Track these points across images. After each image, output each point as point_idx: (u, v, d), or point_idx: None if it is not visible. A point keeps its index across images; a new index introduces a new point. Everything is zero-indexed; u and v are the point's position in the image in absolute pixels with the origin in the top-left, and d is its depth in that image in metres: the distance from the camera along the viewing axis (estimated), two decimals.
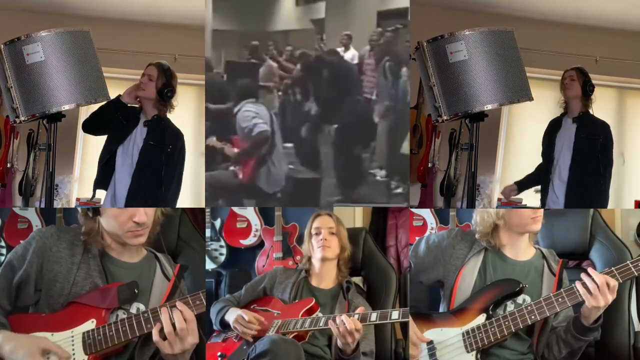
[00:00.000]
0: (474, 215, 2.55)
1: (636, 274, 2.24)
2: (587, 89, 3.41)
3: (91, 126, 3.22)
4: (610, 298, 2.20)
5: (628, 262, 2.27)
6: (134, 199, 3.13)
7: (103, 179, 3.20)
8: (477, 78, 2.71)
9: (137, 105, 3.22)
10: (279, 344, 2.34)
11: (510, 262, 2.48)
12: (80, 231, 2.27)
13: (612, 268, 2.26)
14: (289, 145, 4.27)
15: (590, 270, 2.24)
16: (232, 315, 2.60)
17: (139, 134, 3.19)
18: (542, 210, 2.48)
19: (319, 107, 4.23)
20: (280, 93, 4.32)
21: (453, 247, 2.53)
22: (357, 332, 2.35)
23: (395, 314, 2.38)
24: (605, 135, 3.42)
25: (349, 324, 2.33)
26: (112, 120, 3.16)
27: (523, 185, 3.64)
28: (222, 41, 4.21)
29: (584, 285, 2.21)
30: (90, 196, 3.26)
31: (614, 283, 2.20)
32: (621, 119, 5.26)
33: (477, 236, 2.51)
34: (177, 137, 3.24)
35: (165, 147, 3.17)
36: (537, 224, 2.45)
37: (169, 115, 3.24)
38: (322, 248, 2.73)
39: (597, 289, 2.18)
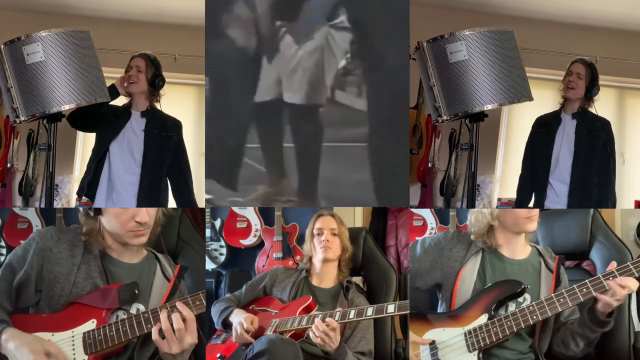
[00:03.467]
0: (468, 217, 2.55)
1: (637, 274, 2.24)
2: (593, 91, 3.26)
3: (79, 117, 3.05)
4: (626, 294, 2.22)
5: (629, 263, 2.26)
6: (145, 195, 3.12)
7: (94, 179, 3.15)
8: (477, 78, 2.71)
9: (126, 99, 3.19)
10: (277, 343, 2.34)
11: (508, 261, 2.48)
12: (80, 231, 2.26)
13: (613, 269, 2.26)
14: None
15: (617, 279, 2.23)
16: (237, 317, 2.60)
17: (136, 126, 3.15)
18: (536, 210, 2.48)
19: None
20: None
21: (450, 249, 2.52)
22: (333, 332, 2.36)
23: (391, 308, 2.38)
24: (608, 132, 3.30)
25: (318, 327, 2.35)
26: (102, 114, 3.08)
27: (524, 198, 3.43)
28: None
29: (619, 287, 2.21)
30: (80, 197, 3.21)
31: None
32: (621, 119, 5.27)
33: (472, 237, 2.51)
34: (177, 125, 3.24)
35: (169, 135, 3.17)
36: (532, 224, 2.44)
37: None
38: (324, 249, 2.73)
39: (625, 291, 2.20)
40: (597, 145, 3.26)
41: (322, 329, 2.36)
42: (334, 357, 2.39)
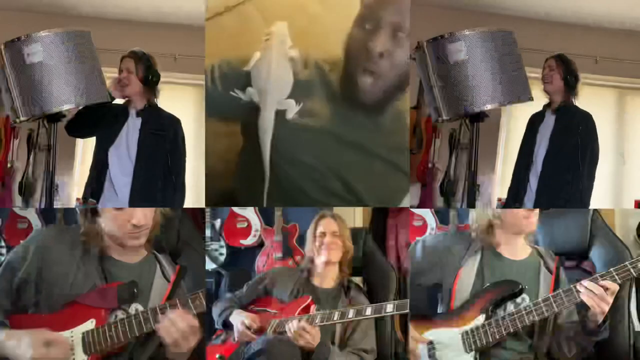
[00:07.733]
0: (470, 214, 2.55)
1: (635, 274, 2.24)
2: (569, 80, 3.23)
3: (78, 126, 3.07)
4: (611, 300, 2.19)
5: (627, 262, 2.26)
6: (139, 196, 3.09)
7: (98, 184, 3.13)
8: (477, 78, 2.71)
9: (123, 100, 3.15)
10: (274, 343, 2.35)
11: (507, 261, 2.48)
12: (80, 231, 2.26)
13: (611, 269, 2.26)
14: None
15: (585, 282, 2.23)
16: (236, 318, 2.60)
17: (132, 127, 3.12)
18: (537, 210, 2.48)
19: None
20: None
21: (449, 249, 2.53)
22: (307, 333, 2.38)
23: (389, 307, 2.38)
24: (586, 125, 3.23)
25: (294, 324, 2.38)
26: (100, 118, 3.06)
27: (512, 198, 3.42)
28: None
29: (589, 297, 2.20)
30: (84, 200, 3.19)
31: (614, 287, 2.20)
32: (621, 119, 5.27)
33: (473, 235, 2.51)
34: (175, 121, 3.19)
35: (164, 133, 3.12)
36: (531, 224, 2.45)
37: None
38: (327, 251, 2.72)
39: (597, 298, 2.18)
40: (570, 141, 3.20)
41: (297, 326, 2.39)
42: (315, 355, 2.40)
